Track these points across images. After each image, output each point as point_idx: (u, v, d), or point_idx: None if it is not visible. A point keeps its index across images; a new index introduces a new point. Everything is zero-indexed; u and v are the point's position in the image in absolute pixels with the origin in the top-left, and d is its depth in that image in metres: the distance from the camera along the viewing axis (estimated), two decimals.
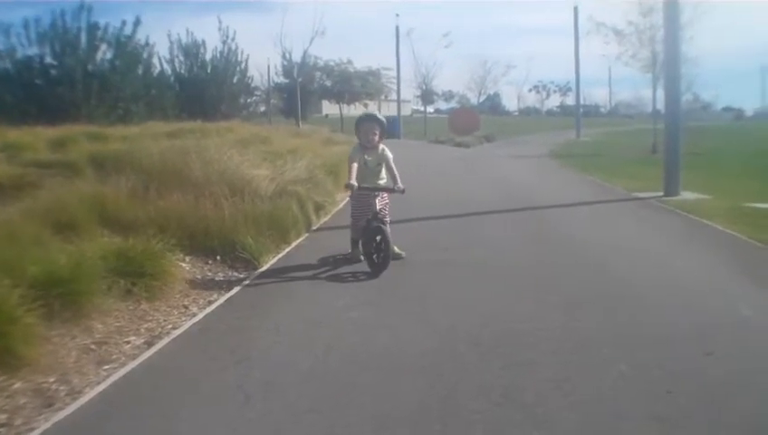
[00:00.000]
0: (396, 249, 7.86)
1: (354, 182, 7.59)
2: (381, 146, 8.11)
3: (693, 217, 11.15)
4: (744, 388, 4.22)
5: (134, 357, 5.14)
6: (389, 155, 8.05)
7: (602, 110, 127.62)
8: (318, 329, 5.58)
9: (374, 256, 7.49)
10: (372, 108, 70.69)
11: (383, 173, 8.12)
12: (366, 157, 7.97)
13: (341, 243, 8.56)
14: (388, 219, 7.90)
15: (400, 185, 7.80)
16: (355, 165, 7.78)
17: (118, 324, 5.76)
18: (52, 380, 4.62)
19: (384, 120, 8.29)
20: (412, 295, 6.59)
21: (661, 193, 14.15)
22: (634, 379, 4.36)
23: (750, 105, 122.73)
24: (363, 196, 7.85)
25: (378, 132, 8.02)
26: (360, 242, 7.91)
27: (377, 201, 7.74)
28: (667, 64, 16.12)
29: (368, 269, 7.49)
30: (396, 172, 7.96)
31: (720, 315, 5.71)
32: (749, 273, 7.25)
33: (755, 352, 4.88)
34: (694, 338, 5.14)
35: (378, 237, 7.48)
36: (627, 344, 5.01)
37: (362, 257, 7.77)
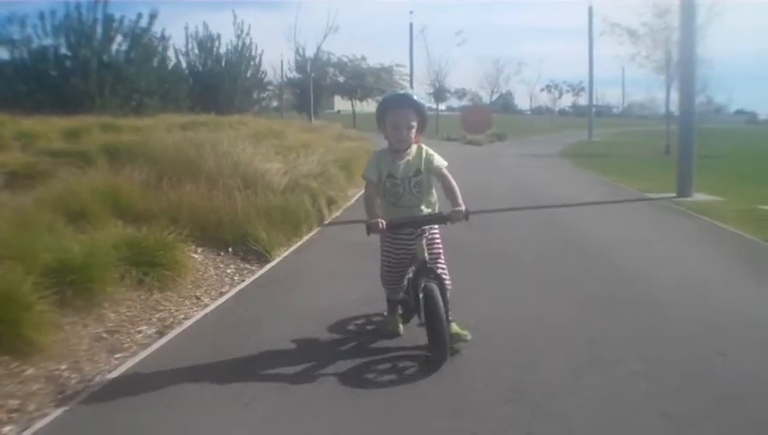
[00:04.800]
0: (455, 327, 4.80)
1: (378, 219, 4.70)
2: (419, 147, 4.96)
3: (705, 218, 11.10)
4: (756, 388, 4.20)
5: (145, 346, 5.16)
6: (441, 162, 4.94)
7: (615, 110, 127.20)
8: (328, 314, 5.61)
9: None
10: None
11: (429, 193, 5.02)
12: (393, 168, 4.87)
13: (353, 238, 8.54)
14: (443, 268, 4.93)
15: (462, 207, 4.73)
16: (373, 190, 4.96)
17: (130, 314, 5.79)
18: (63, 367, 4.64)
19: (423, 103, 5.03)
20: None
21: (674, 194, 14.08)
22: (645, 377, 4.35)
23: (763, 109, 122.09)
24: (396, 236, 4.96)
25: (414, 124, 4.83)
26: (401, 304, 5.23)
27: (422, 242, 4.79)
28: (683, 66, 16.10)
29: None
30: (455, 187, 4.87)
31: (733, 316, 5.66)
32: (763, 275, 7.22)
33: (767, 352, 4.86)
34: (706, 338, 5.12)
35: (430, 304, 4.52)
36: (638, 343, 5.00)
37: (401, 330, 5.21)
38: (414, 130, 4.85)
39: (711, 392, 4.12)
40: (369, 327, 5.50)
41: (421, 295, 4.58)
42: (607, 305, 5.99)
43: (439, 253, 4.98)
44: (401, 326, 5.24)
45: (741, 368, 4.52)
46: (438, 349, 4.52)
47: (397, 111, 4.84)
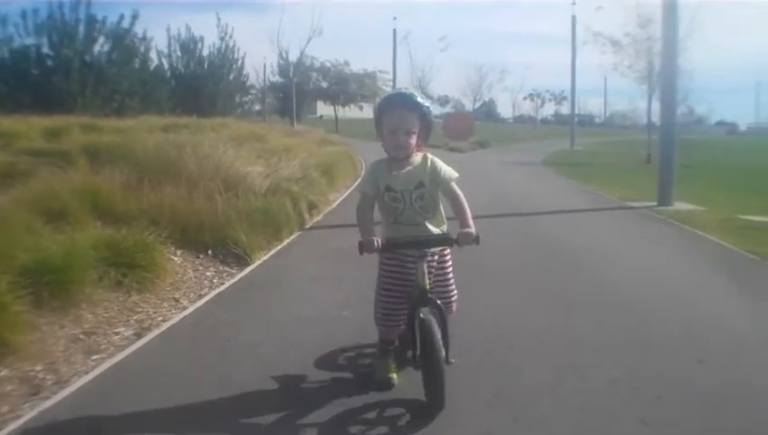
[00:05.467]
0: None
1: (373, 237, 4.00)
2: (424, 156, 4.27)
3: (686, 227, 11.15)
4: (735, 395, 4.21)
5: (123, 348, 5.10)
6: (449, 174, 4.25)
7: (597, 120, 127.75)
8: (308, 319, 5.56)
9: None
10: (367, 110, 70.91)
11: (435, 210, 4.29)
12: (391, 180, 4.17)
13: (334, 243, 8.51)
14: (453, 297, 4.36)
15: (472, 229, 4.06)
16: (367, 204, 4.25)
17: (107, 315, 5.72)
18: (39, 368, 4.57)
19: (427, 105, 4.25)
20: None
21: (655, 203, 14.15)
22: (625, 383, 4.35)
23: (744, 120, 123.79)
24: (396, 259, 4.22)
25: (415, 129, 4.15)
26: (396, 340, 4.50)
27: (423, 267, 4.00)
28: (664, 76, 16.25)
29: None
30: (465, 205, 4.19)
31: (713, 325, 5.69)
32: (743, 284, 7.24)
33: (746, 360, 4.87)
34: (686, 346, 5.12)
35: (426, 339, 3.85)
36: (619, 350, 5.01)
37: (395, 379, 4.31)
38: (414, 137, 4.16)
39: (691, 399, 4.13)
40: (359, 359, 4.83)
41: (417, 328, 3.93)
42: (588, 312, 5.98)
43: (449, 278, 4.35)
44: (395, 375, 4.33)
45: (721, 376, 4.53)
46: (434, 394, 3.83)
47: (395, 112, 4.15)
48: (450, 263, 4.34)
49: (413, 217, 4.18)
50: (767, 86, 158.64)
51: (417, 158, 4.21)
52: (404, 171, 4.16)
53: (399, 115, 4.11)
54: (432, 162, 4.22)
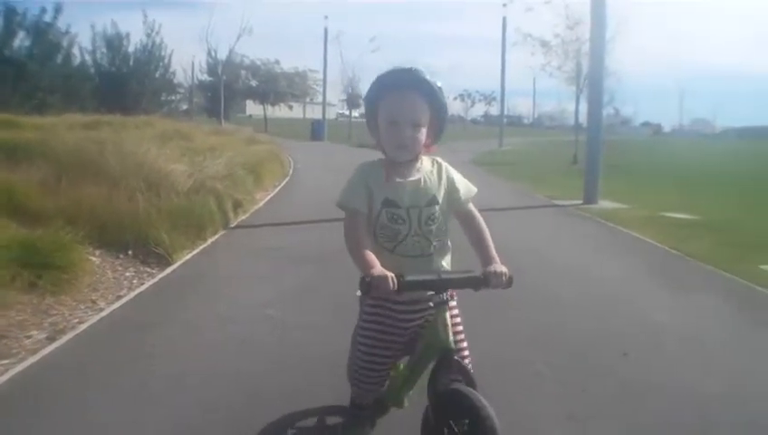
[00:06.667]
0: None
1: (387, 273, 2.63)
2: (435, 162, 3.15)
3: (610, 224, 11.46)
4: (657, 386, 4.30)
5: (35, 352, 4.91)
6: (469, 190, 3.21)
7: (525, 121, 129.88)
8: (231, 325, 5.44)
9: None
10: (297, 110, 70.57)
11: (445, 235, 3.15)
12: (393, 191, 2.95)
13: (258, 242, 8.37)
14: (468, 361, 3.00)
15: (499, 266, 3.07)
16: (359, 223, 2.91)
17: (20, 318, 5.49)
18: None
19: (439, 86, 2.92)
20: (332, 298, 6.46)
21: (580, 201, 14.47)
22: (550, 378, 4.39)
23: (668, 122, 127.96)
24: (379, 305, 3.09)
25: (426, 119, 2.93)
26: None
27: (445, 317, 2.83)
28: (592, 77, 16.56)
29: None
30: (487, 231, 3.19)
31: (636, 319, 5.81)
32: (664, 278, 7.45)
33: (667, 352, 4.98)
34: (610, 340, 5.21)
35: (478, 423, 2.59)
36: (543, 344, 5.05)
37: None
38: (424, 132, 2.94)
39: (613, 391, 4.20)
40: None
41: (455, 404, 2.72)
42: (512, 308, 5.98)
43: (463, 337, 3.12)
44: None
45: (643, 367, 4.63)
46: None
47: (397, 95, 2.87)
48: (458, 316, 3.17)
49: (420, 244, 2.99)
50: (690, 90, 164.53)
51: (426, 163, 3.09)
52: (411, 180, 2.98)
53: (403, 99, 2.86)
54: (447, 171, 3.12)
